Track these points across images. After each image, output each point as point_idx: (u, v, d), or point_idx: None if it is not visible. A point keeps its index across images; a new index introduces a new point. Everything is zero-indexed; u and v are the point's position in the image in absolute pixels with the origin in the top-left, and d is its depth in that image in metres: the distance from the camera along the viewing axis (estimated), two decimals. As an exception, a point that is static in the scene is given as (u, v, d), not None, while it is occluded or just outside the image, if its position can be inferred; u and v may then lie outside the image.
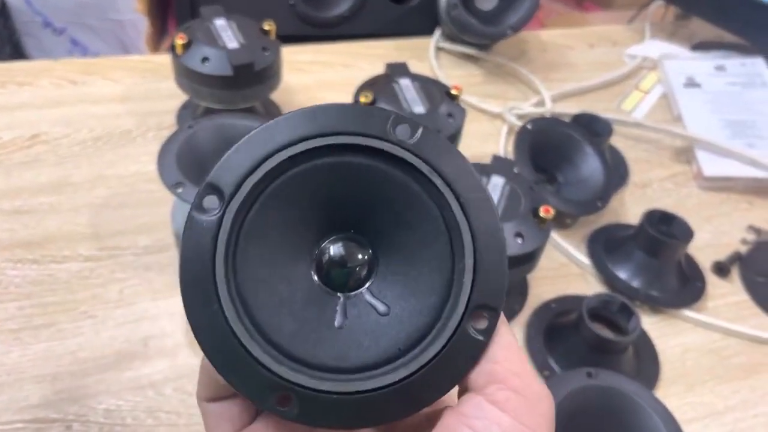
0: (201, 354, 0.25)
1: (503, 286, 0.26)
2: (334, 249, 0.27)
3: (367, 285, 0.27)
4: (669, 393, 0.62)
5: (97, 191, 0.72)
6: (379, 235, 0.27)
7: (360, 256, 0.27)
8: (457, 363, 0.25)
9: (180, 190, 0.55)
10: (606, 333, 0.61)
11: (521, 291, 0.68)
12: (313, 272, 0.27)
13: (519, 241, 0.57)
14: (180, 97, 0.83)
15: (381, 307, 0.26)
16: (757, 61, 1.02)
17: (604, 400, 0.54)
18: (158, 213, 0.69)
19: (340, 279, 0.27)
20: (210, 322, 0.24)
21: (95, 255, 0.65)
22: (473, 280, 0.25)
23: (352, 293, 0.27)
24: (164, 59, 0.90)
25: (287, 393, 0.24)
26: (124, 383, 0.56)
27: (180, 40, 0.69)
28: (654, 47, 1.08)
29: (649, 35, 1.13)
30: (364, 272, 0.27)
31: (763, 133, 0.90)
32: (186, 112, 0.82)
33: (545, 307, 0.67)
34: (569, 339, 0.62)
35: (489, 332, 0.25)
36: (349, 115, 0.26)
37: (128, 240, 0.67)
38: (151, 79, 0.88)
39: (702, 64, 1.02)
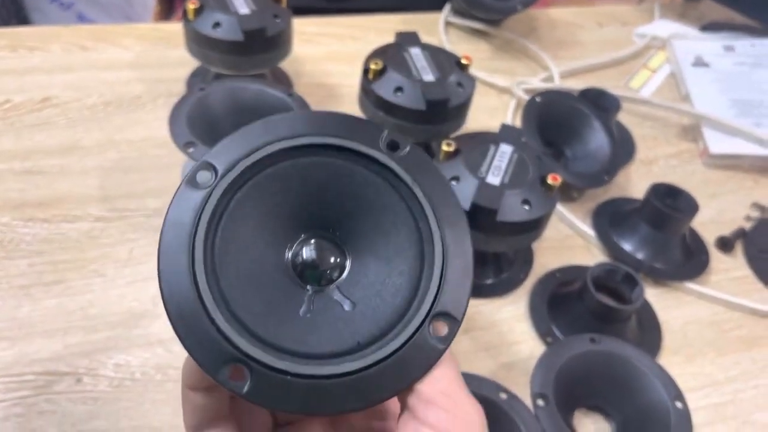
0: None
1: (465, 299, 0.26)
2: (309, 251, 0.28)
3: (336, 282, 0.28)
4: (670, 363, 0.62)
5: (107, 155, 0.72)
6: (356, 236, 0.28)
7: (333, 260, 0.28)
8: (411, 365, 0.26)
9: (191, 150, 0.56)
10: (610, 301, 0.62)
11: (527, 260, 0.69)
12: (287, 262, 0.28)
13: (526, 207, 0.57)
14: (189, 65, 0.83)
15: (347, 305, 0.27)
16: (767, 42, 1.02)
17: (607, 364, 0.55)
18: (168, 177, 0.70)
19: (311, 277, 0.28)
20: (180, 285, 0.25)
21: (105, 216, 0.66)
22: (438, 289, 0.26)
23: (322, 288, 0.28)
24: (174, 27, 0.90)
25: (241, 366, 0.25)
26: (133, 340, 0.57)
27: (192, 5, 0.69)
28: (663, 27, 1.08)
29: (658, 15, 1.12)
30: (335, 274, 0.28)
31: (770, 113, 0.90)
32: (196, 80, 0.82)
33: (550, 276, 0.67)
34: (573, 307, 0.63)
35: (447, 340, 0.26)
36: (347, 123, 0.28)
37: (138, 202, 0.67)
38: (161, 46, 0.88)
39: (711, 45, 1.02)
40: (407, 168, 0.27)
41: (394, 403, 0.32)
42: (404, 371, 0.26)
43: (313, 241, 0.28)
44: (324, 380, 0.25)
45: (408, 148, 0.28)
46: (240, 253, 0.26)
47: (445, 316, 0.26)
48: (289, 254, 0.28)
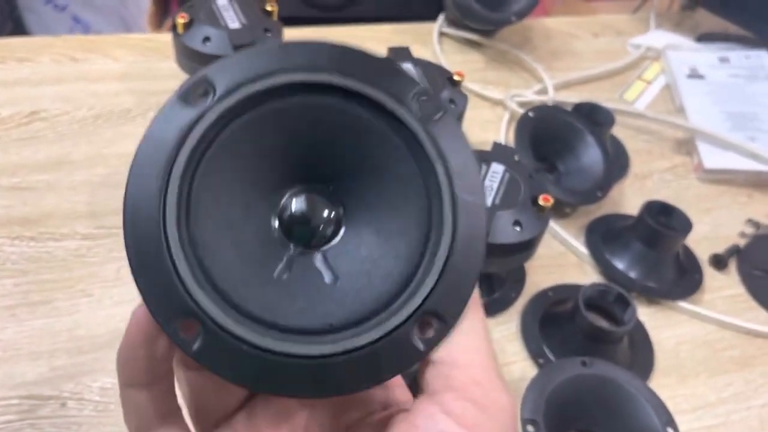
0: None
1: (464, 301, 0.23)
2: (299, 203, 0.25)
3: (323, 248, 0.25)
4: (662, 384, 0.62)
5: (96, 170, 0.71)
6: (358, 202, 0.25)
7: (325, 217, 0.25)
8: (384, 362, 0.23)
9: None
10: (601, 323, 0.61)
11: (518, 278, 0.68)
12: (275, 213, 0.25)
13: (517, 229, 0.57)
14: (181, 77, 0.82)
15: (327, 277, 0.24)
16: (762, 54, 1.01)
17: (598, 388, 0.55)
18: (157, 193, 0.69)
19: (299, 235, 0.25)
20: (145, 215, 0.22)
21: (93, 233, 0.65)
22: (434, 285, 0.23)
23: (306, 251, 0.25)
24: (166, 38, 0.90)
25: (196, 322, 0.22)
26: (119, 362, 0.56)
27: (181, 19, 0.68)
28: (658, 37, 1.08)
29: (653, 25, 1.12)
30: (326, 235, 0.25)
31: (764, 126, 0.90)
32: (186, 92, 0.81)
33: (542, 296, 0.67)
34: (565, 328, 0.62)
35: (432, 343, 0.23)
36: (378, 68, 0.24)
37: (126, 219, 0.66)
38: (152, 58, 0.87)
39: (706, 56, 1.02)
40: (435, 138, 0.24)
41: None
42: (375, 367, 0.22)
43: (304, 193, 0.25)
44: (281, 358, 0.22)
45: (441, 114, 0.24)
46: (223, 192, 0.23)
47: (436, 316, 0.23)
48: (278, 205, 0.25)
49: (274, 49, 0.23)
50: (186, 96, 0.23)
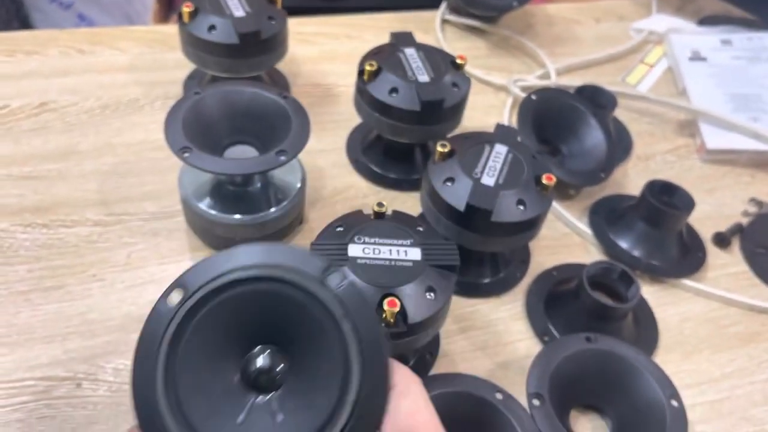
0: None
1: (375, 425, 0.31)
2: (263, 358, 0.33)
3: (274, 394, 0.32)
4: (666, 360, 0.63)
5: (105, 159, 0.72)
6: (297, 359, 0.33)
7: (282, 366, 0.33)
8: None
9: (186, 155, 0.56)
10: (606, 300, 0.62)
11: (523, 259, 0.69)
12: (240, 370, 0.33)
13: (521, 208, 0.58)
14: (186, 68, 0.83)
15: (280, 417, 0.32)
16: (764, 36, 1.01)
17: (602, 363, 0.55)
18: (165, 180, 0.70)
19: (264, 381, 0.33)
20: (146, 390, 0.31)
21: (103, 220, 0.66)
22: (350, 416, 0.30)
23: (262, 398, 0.32)
24: (171, 30, 0.91)
25: None
26: (131, 344, 0.56)
27: (187, 8, 0.69)
28: (660, 21, 1.08)
29: (655, 9, 1.12)
30: (275, 382, 0.33)
31: (767, 107, 0.90)
32: (192, 82, 0.83)
33: (546, 275, 0.68)
34: (570, 306, 0.63)
35: None
36: (297, 256, 0.33)
37: (136, 206, 0.68)
38: (157, 49, 0.88)
39: (708, 38, 1.02)
40: (342, 302, 0.32)
41: None
42: None
43: (259, 348, 0.33)
44: None
45: (345, 284, 0.32)
46: (197, 359, 0.31)
47: None
48: (242, 363, 0.33)
49: (225, 254, 0.33)
50: (167, 295, 0.32)
